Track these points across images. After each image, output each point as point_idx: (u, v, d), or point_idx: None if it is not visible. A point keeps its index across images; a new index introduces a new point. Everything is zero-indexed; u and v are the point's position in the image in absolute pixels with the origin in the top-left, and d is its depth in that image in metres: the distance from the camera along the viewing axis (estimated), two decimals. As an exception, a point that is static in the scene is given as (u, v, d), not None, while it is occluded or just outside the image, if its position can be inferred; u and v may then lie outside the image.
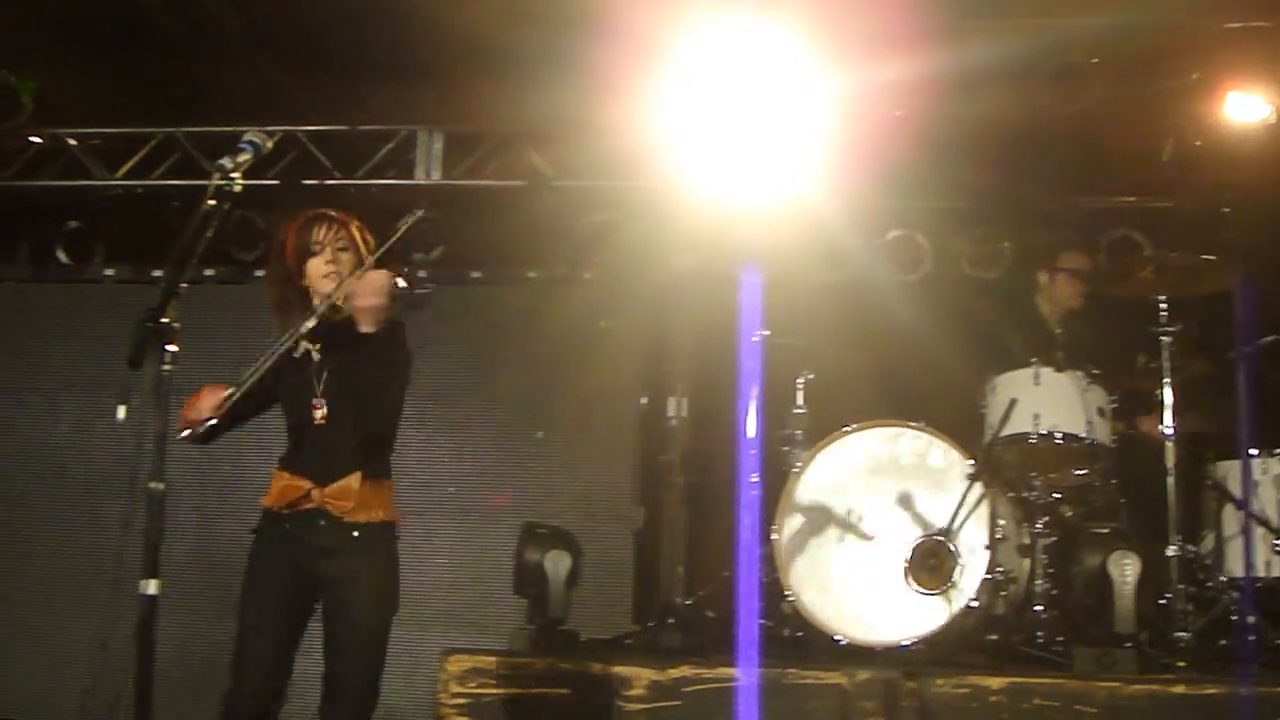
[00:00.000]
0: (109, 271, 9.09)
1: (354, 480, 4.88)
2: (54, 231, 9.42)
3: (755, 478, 7.15)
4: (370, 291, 4.59)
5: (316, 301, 4.91)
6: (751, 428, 7.13)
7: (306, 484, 4.88)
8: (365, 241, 5.06)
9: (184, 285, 4.44)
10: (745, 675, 5.95)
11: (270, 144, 4.83)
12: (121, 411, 4.70)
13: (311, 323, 4.84)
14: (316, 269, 5.01)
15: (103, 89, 9.18)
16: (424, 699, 7.85)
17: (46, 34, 8.64)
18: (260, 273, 8.72)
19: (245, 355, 8.50)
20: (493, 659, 6.23)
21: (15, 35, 8.66)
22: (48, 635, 8.46)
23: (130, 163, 9.03)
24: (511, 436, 8.44)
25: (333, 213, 5.09)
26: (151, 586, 4.23)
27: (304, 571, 4.90)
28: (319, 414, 4.95)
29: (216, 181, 4.57)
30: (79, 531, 8.57)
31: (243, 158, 4.66)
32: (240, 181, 4.62)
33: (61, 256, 9.39)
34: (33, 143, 9.14)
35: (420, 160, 8.76)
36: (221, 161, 4.60)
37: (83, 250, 9.41)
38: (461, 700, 6.12)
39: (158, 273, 8.76)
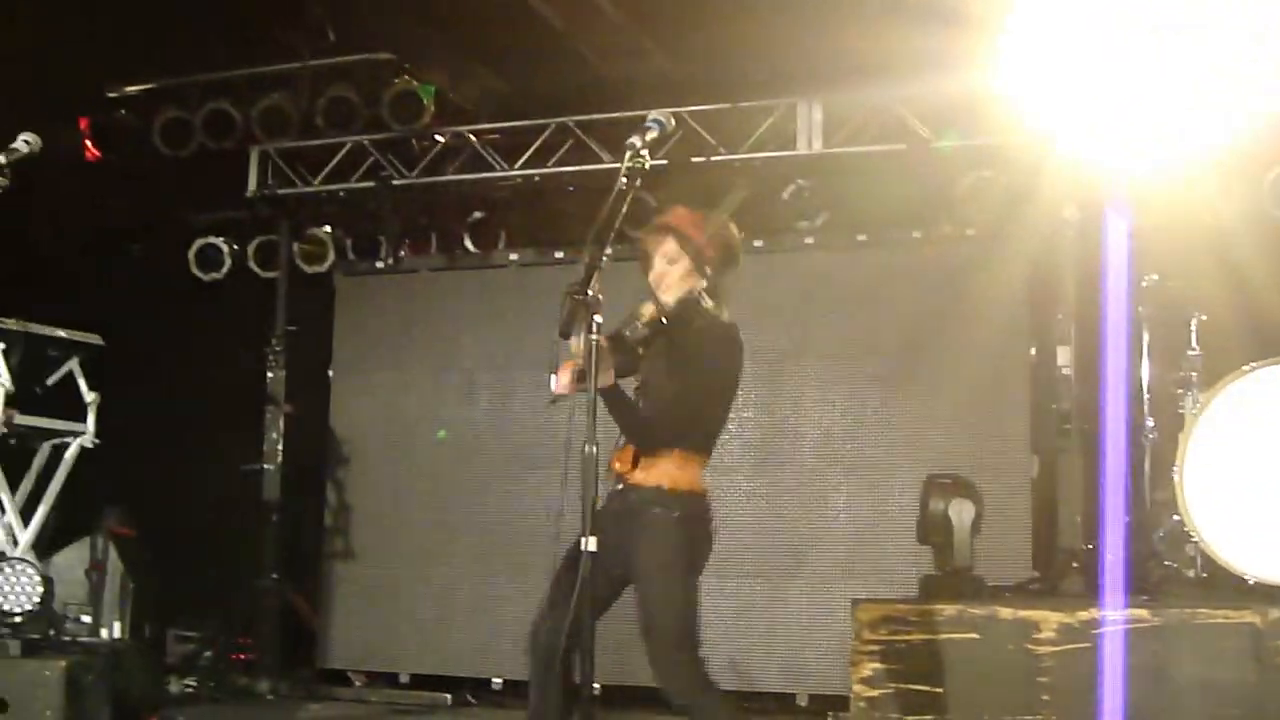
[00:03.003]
0: (513, 256, 9.62)
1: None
2: (460, 222, 10.03)
3: (1150, 421, 7.16)
4: None
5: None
6: (1143, 372, 7.14)
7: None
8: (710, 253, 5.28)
9: (605, 260, 4.72)
10: (1153, 616, 5.96)
11: (673, 122, 5.06)
12: (553, 381, 5.01)
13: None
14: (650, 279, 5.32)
15: (497, 85, 9.72)
16: (832, 647, 8.14)
17: (444, 37, 9.20)
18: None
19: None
20: (903, 606, 6.39)
21: (415, 41, 9.24)
22: (485, 595, 9.11)
23: (527, 153, 9.53)
24: (903, 393, 8.60)
25: (668, 222, 5.31)
26: (591, 544, 4.53)
27: None
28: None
29: (627, 163, 4.83)
30: (505, 498, 9.16)
31: (650, 135, 4.89)
32: (648, 160, 4.88)
33: (469, 245, 9.99)
34: (437, 141, 9.78)
35: (801, 131, 8.97)
36: (632, 140, 4.82)
37: (488, 238, 10.01)
38: (874, 646, 6.28)
39: (560, 254, 9.22)
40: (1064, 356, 8.35)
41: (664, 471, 5.11)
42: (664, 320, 5.12)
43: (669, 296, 5.20)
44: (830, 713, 8.11)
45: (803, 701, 8.48)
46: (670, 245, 5.22)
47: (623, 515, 5.07)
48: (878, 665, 6.29)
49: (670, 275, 5.21)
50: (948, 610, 6.28)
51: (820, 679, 8.40)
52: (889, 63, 8.19)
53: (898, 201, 8.96)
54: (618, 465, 5.17)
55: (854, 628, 6.38)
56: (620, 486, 5.21)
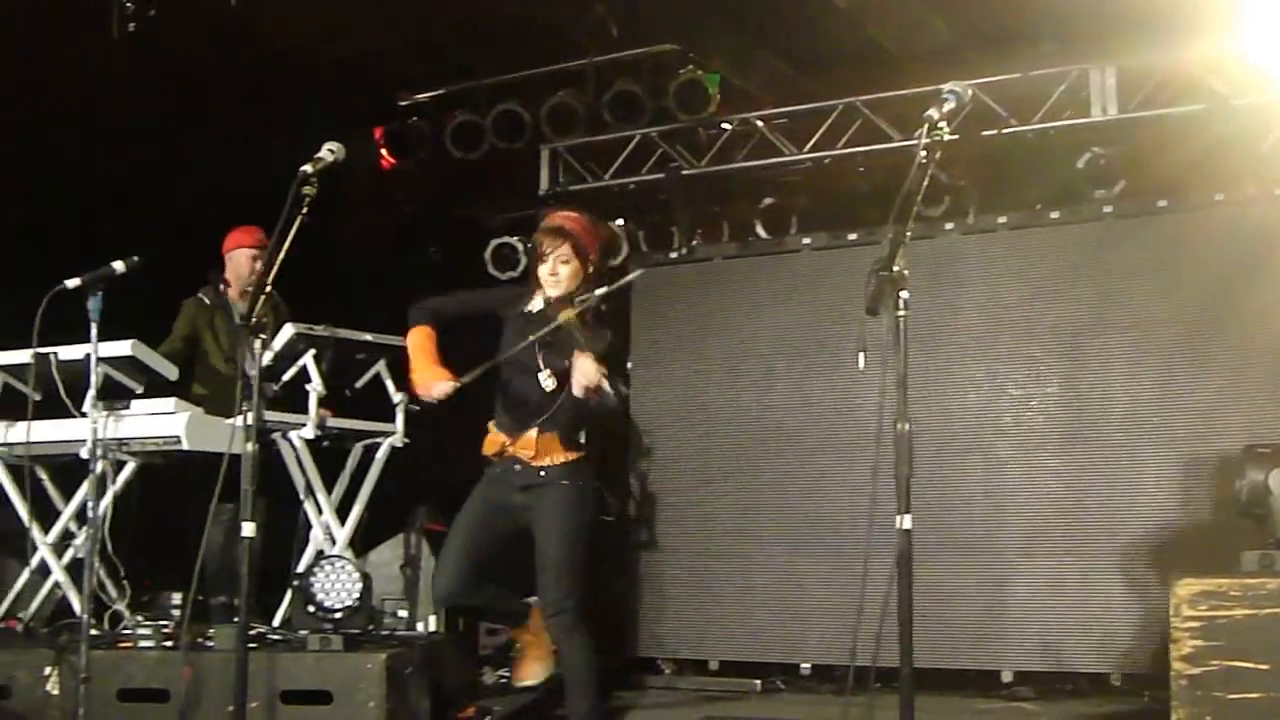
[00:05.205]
0: (806, 241, 9.53)
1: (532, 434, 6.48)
2: (752, 209, 10.00)
3: None
4: (580, 381, 6.09)
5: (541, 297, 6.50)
6: None
7: (503, 438, 6.59)
8: (593, 256, 6.45)
9: (908, 236, 4.70)
10: None
11: (970, 92, 5.03)
12: (861, 360, 5.01)
13: (541, 332, 6.28)
14: (541, 273, 6.48)
15: (782, 69, 9.74)
16: (1147, 625, 7.95)
17: (726, 24, 9.27)
18: (949, 226, 9.02)
19: (950, 305, 8.78)
20: (1224, 581, 6.13)
21: (697, 30, 9.32)
22: (791, 581, 9.08)
23: (815, 136, 9.51)
24: (1211, 361, 8.30)
25: (565, 227, 6.47)
26: (906, 521, 4.52)
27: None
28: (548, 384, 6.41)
29: (926, 137, 4.79)
30: (807, 483, 9.13)
31: (948, 107, 4.87)
32: (946, 133, 4.84)
33: (761, 231, 9.93)
34: (724, 129, 9.83)
35: (1095, 97, 8.74)
36: (929, 112, 4.81)
37: (780, 223, 9.93)
38: (1194, 623, 6.09)
39: (852, 236, 9.18)
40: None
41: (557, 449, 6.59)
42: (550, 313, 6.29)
43: (555, 291, 6.41)
44: (1146, 693, 7.90)
45: (1116, 681, 8.24)
46: (565, 249, 6.37)
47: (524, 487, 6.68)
48: (1198, 642, 6.07)
49: (561, 274, 6.41)
50: (1271, 584, 6.02)
51: (1134, 658, 8.16)
52: (1183, 20, 7.98)
53: (1199, 164, 8.66)
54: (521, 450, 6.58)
55: (1172, 604, 6.18)
56: (518, 466, 6.67)
